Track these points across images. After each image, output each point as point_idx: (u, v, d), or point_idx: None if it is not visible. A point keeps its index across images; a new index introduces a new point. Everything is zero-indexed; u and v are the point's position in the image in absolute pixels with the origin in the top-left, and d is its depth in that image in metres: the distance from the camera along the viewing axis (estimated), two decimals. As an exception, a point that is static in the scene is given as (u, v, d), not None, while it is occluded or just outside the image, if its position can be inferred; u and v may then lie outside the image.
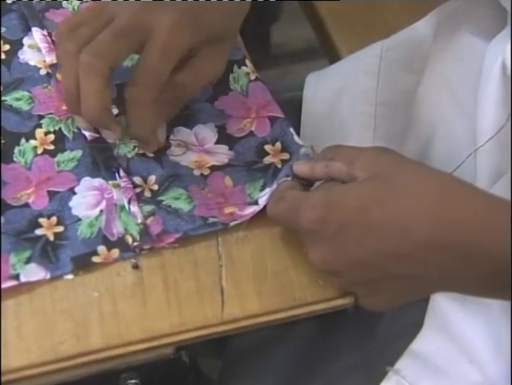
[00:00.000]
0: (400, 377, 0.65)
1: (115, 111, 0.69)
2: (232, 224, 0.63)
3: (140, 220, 0.62)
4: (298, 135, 0.69)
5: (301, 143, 0.68)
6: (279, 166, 0.67)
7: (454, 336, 0.64)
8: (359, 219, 0.55)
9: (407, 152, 0.72)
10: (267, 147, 0.68)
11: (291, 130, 0.69)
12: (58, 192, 0.64)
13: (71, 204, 0.64)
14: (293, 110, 0.80)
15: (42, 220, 0.63)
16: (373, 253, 0.55)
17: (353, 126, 0.82)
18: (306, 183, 0.63)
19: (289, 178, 0.63)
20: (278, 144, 0.68)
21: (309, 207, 0.57)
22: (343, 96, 0.84)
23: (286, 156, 0.67)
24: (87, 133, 0.67)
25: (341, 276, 0.58)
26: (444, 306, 0.65)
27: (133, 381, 0.60)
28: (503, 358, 0.62)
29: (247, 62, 0.73)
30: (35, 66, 0.72)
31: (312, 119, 0.84)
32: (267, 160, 0.67)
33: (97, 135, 0.67)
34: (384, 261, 0.55)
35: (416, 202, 0.54)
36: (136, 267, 0.61)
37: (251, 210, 0.64)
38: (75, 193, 0.64)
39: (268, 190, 0.64)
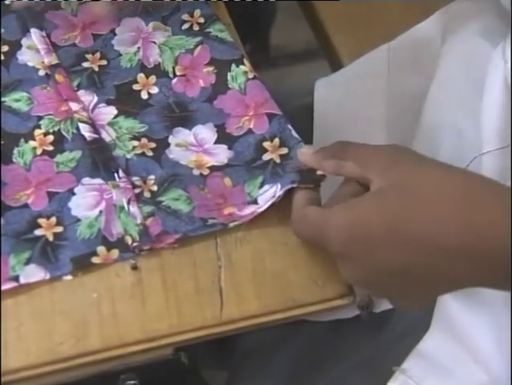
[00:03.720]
0: (406, 377, 0.65)
1: (115, 111, 0.69)
2: (231, 224, 0.63)
3: (139, 221, 0.62)
4: (310, 140, 0.68)
5: (299, 138, 0.67)
6: (278, 161, 0.67)
7: (460, 336, 0.64)
8: (386, 236, 0.54)
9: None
10: (266, 144, 0.68)
11: (289, 126, 0.68)
12: (57, 193, 0.64)
13: (70, 204, 0.64)
14: (302, 116, 0.80)
15: (41, 221, 0.63)
16: (403, 265, 0.54)
17: (364, 129, 0.81)
18: (312, 186, 0.62)
19: (295, 184, 0.63)
20: (277, 140, 0.68)
21: (333, 229, 0.56)
22: (353, 99, 0.84)
23: (284, 150, 0.67)
24: (86, 134, 0.67)
25: (374, 288, 0.59)
26: (451, 307, 0.65)
27: (132, 382, 0.60)
28: (509, 359, 0.62)
29: (245, 61, 0.73)
30: (34, 67, 0.72)
31: (323, 123, 0.84)
32: (266, 156, 0.67)
33: (96, 136, 0.67)
34: (415, 271, 0.54)
35: (441, 210, 0.53)
36: (135, 268, 0.61)
37: (250, 210, 0.64)
38: (74, 194, 0.64)
39: (267, 187, 0.64)
